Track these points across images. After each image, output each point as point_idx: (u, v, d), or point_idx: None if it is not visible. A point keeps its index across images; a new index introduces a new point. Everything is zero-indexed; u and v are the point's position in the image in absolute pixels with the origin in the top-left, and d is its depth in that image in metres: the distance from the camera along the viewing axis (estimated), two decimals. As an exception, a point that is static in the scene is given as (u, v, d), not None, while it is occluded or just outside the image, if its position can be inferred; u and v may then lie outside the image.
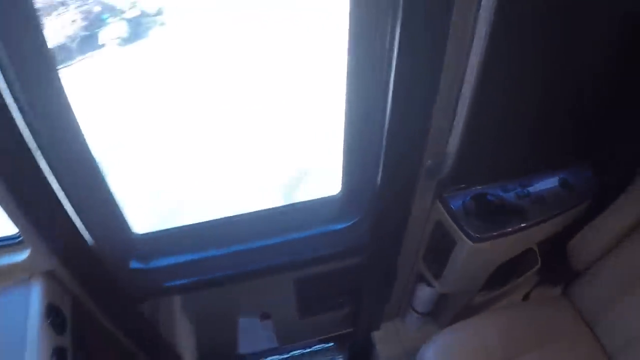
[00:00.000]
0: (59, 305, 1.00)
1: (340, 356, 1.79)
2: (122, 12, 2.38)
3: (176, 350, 1.38)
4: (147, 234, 1.20)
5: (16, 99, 0.76)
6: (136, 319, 1.25)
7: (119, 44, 2.42)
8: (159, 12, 2.54)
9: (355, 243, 1.27)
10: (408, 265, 1.40)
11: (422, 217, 1.23)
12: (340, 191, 1.23)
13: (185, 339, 1.44)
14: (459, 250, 1.18)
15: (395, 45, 0.82)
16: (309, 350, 1.81)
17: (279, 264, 1.28)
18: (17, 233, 0.97)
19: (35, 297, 0.96)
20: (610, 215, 1.24)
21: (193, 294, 1.36)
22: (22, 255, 0.98)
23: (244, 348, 1.70)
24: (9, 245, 0.98)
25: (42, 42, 0.78)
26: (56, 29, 2.12)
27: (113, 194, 1.07)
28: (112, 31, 2.39)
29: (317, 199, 1.27)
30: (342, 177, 1.20)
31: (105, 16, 2.34)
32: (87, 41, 2.31)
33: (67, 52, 2.25)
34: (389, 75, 0.87)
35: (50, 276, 1.02)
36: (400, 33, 0.80)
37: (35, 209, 0.87)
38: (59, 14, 2.12)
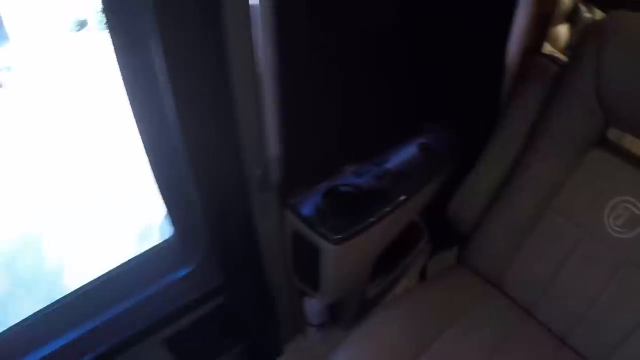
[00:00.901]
0: None
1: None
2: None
3: None
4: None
5: None
6: None
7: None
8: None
9: (209, 282, 1.09)
10: (282, 284, 1.25)
11: (275, 233, 1.08)
12: (173, 233, 1.03)
13: None
14: (324, 257, 1.05)
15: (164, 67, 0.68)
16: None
17: (140, 330, 1.07)
18: None
19: None
20: (479, 173, 1.18)
21: None
22: None
23: None
24: None
25: None
26: None
27: None
28: None
29: (153, 248, 1.06)
30: (168, 217, 1.00)
31: None
32: None
33: None
34: (169, 98, 0.71)
35: None
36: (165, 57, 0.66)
37: None
38: None
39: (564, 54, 2.16)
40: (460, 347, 1.05)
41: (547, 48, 2.09)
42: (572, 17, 2.37)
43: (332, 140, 1.02)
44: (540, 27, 1.20)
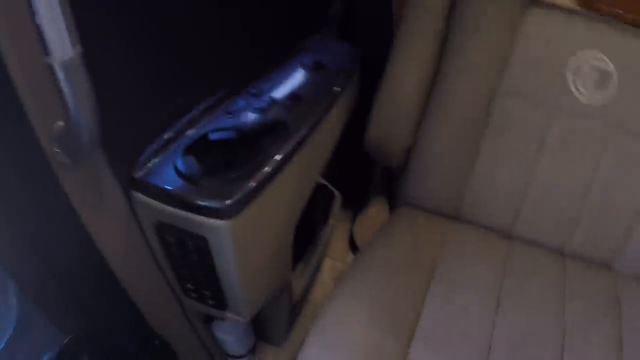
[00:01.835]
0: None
1: None
2: None
3: None
4: None
5: None
6: None
7: None
8: None
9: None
10: (168, 317, 0.81)
11: (126, 241, 0.64)
12: None
13: None
14: (216, 246, 0.64)
15: None
16: None
17: None
18: None
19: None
20: (392, 77, 0.88)
21: None
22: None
23: None
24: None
25: None
26: None
27: None
28: None
29: None
30: None
31: None
32: None
33: None
34: None
35: None
36: None
37: None
38: None
39: None
40: (455, 302, 0.75)
41: None
42: None
43: (170, 73, 0.63)
44: None
